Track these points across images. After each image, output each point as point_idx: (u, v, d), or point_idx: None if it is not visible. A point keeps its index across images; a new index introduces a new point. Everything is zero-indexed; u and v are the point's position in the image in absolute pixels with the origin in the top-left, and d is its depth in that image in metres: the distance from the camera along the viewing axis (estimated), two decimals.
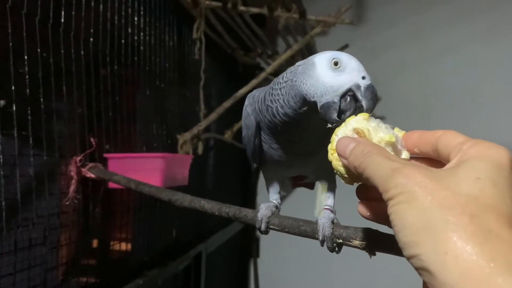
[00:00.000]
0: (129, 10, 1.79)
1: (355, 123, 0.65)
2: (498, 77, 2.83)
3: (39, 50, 1.29)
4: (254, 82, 2.29)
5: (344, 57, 0.77)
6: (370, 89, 0.75)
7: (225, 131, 2.74)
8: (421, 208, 0.44)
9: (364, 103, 0.74)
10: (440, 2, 2.98)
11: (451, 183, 0.45)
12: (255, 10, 2.25)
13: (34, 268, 1.27)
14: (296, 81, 0.80)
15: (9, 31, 1.18)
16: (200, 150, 2.28)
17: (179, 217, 2.26)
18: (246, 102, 0.95)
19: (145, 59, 1.92)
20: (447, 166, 0.50)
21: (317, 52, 2.56)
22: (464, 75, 2.92)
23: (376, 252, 0.75)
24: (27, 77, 1.25)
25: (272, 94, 0.85)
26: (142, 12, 1.88)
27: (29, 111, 1.25)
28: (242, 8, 2.23)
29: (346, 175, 0.60)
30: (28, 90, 1.25)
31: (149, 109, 2.01)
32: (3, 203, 1.15)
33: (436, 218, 0.42)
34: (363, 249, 0.76)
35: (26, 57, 1.24)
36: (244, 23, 2.53)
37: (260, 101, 0.90)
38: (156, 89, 2.04)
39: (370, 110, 0.73)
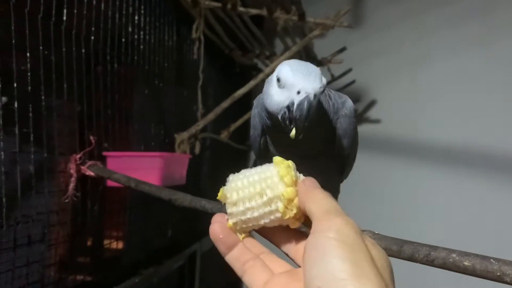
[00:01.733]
0: (130, 9, 1.79)
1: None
2: (495, 81, 2.86)
3: (41, 47, 1.30)
4: (252, 83, 2.30)
5: (283, 74, 0.80)
6: (300, 106, 0.77)
7: (221, 131, 2.75)
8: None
9: (293, 123, 0.78)
10: (438, 6, 3.01)
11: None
12: (254, 11, 2.26)
13: (32, 265, 1.27)
14: (263, 98, 0.87)
15: (12, 28, 1.18)
16: (197, 149, 2.28)
17: (175, 217, 2.26)
18: (254, 104, 0.97)
19: (144, 58, 1.93)
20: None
21: (315, 55, 2.55)
22: (462, 78, 2.94)
23: None
24: (29, 74, 1.25)
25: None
26: (142, 11, 1.89)
27: (30, 108, 1.25)
28: (241, 9, 2.24)
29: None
30: (29, 88, 1.25)
31: (147, 108, 2.02)
32: (4, 200, 1.15)
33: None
34: None
35: (28, 54, 1.25)
36: (243, 24, 2.54)
37: (261, 107, 0.92)
38: (155, 88, 2.05)
39: (300, 130, 0.77)
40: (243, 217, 0.59)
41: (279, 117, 0.80)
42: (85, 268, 1.61)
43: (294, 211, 0.57)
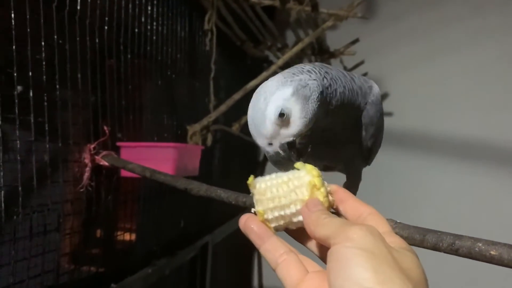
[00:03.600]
0: None
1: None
2: (507, 75, 2.82)
3: (55, 36, 1.29)
4: (264, 74, 2.28)
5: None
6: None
7: (232, 123, 2.74)
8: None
9: None
10: None
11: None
12: (267, 2, 2.24)
13: (48, 254, 1.27)
14: None
15: (27, 16, 1.18)
16: (209, 141, 2.28)
17: (187, 208, 2.26)
18: None
19: (157, 49, 1.92)
20: None
21: (328, 46, 2.52)
22: (476, 71, 2.90)
23: None
24: (44, 63, 1.25)
25: None
26: (155, 2, 1.88)
27: (45, 98, 1.25)
28: (254, 0, 2.22)
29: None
30: (44, 77, 1.25)
31: (160, 99, 2.01)
32: (20, 189, 1.15)
33: None
34: None
35: (43, 43, 1.24)
36: (255, 15, 2.52)
37: None
38: (167, 79, 2.04)
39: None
40: (271, 205, 0.61)
41: None
42: (98, 258, 1.61)
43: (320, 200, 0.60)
